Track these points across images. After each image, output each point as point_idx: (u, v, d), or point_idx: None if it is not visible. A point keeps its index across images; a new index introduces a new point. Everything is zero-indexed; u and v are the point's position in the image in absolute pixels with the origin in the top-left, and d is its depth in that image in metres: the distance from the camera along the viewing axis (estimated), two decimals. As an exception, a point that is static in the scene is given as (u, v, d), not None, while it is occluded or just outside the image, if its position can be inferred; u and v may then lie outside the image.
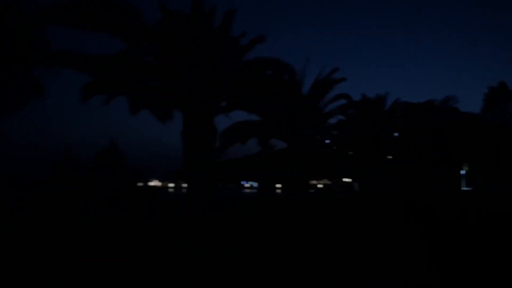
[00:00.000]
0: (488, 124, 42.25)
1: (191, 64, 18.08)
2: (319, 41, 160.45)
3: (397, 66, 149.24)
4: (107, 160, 25.56)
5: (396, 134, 39.72)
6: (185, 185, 22.56)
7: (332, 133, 34.75)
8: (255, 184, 63.66)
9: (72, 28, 12.69)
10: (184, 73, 17.97)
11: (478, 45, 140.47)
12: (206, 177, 19.03)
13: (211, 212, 17.75)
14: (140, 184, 32.58)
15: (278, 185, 59.15)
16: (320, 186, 57.29)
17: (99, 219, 15.76)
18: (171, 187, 50.84)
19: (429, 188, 36.05)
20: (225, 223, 14.49)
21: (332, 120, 31.96)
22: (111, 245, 9.94)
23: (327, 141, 37.09)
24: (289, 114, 24.85)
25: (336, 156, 40.05)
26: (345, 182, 53.56)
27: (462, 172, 42.60)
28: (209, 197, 18.91)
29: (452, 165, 41.05)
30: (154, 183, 47.94)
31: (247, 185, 64.90)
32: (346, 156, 40.46)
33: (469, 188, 40.34)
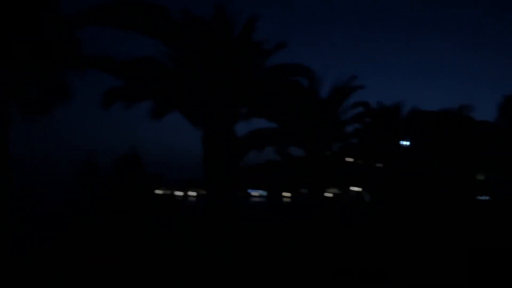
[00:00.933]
0: (503, 132, 41.80)
1: (212, 70, 17.96)
2: (335, 49, 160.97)
3: (412, 74, 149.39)
4: (126, 167, 25.43)
5: (407, 143, 39.39)
6: (203, 193, 22.34)
7: (351, 141, 34.45)
8: (262, 193, 63.54)
9: (110, 28, 12.65)
10: (205, 78, 17.85)
11: (492, 54, 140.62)
12: (227, 185, 18.80)
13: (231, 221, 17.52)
14: (159, 192, 32.46)
15: (286, 194, 59.03)
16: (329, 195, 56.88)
17: (112, 225, 15.63)
18: (192, 196, 50.61)
19: (444, 197, 35.68)
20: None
21: (349, 128, 31.66)
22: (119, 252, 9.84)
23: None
24: (307, 121, 24.62)
25: (348, 165, 39.75)
26: (354, 191, 53.19)
27: (479, 180, 42.10)
28: (231, 205, 18.68)
29: (468, 174, 40.59)
30: (174, 191, 47.82)
31: (255, 193, 64.65)
32: (357, 164, 40.14)
33: (486, 197, 39.84)
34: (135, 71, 15.10)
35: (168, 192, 43.09)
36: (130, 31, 14.17)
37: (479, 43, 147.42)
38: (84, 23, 12.13)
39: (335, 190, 55.60)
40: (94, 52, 12.87)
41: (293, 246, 10.99)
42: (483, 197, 39.48)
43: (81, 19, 11.95)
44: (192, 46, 17.35)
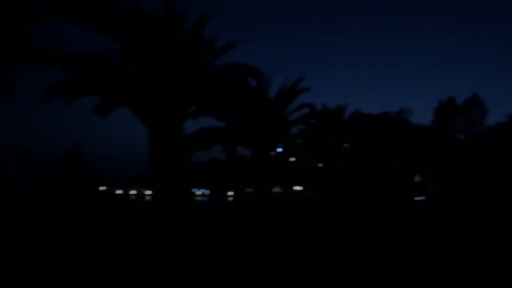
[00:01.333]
0: (437, 136, 44.27)
1: (161, 67, 17.70)
2: (282, 51, 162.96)
3: (357, 77, 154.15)
4: (68, 164, 24.49)
5: (346, 146, 40.77)
6: (149, 192, 21.98)
7: (296, 141, 35.13)
8: (205, 192, 63.29)
9: (58, 22, 12.08)
10: (154, 75, 17.55)
11: (431, 60, 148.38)
12: (174, 184, 18.58)
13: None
14: (102, 189, 31.47)
15: (230, 193, 59.14)
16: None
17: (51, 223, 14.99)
18: (132, 194, 49.33)
19: (382, 198, 37.17)
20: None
21: (294, 129, 32.30)
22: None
23: (278, 150, 37.43)
24: (255, 121, 24.86)
25: (292, 165, 40.52)
26: (296, 190, 54.23)
27: (415, 181, 44.24)
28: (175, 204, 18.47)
29: (405, 175, 42.57)
30: (115, 189, 46.40)
31: (198, 192, 64.22)
32: (300, 164, 41.00)
33: (421, 198, 41.90)
34: (80, 65, 14.55)
35: (114, 190, 41.89)
36: (79, 25, 13.64)
37: (417, 49, 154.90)
38: (31, 17, 11.53)
39: (279, 189, 56.41)
40: (39, 44, 12.28)
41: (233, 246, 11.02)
42: (419, 198, 41.51)
43: (28, 12, 11.35)
44: (141, 42, 17.00)
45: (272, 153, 32.51)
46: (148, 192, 35.12)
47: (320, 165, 38.15)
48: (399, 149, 40.92)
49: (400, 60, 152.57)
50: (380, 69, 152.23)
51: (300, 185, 50.43)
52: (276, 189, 55.99)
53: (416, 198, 40.75)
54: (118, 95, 16.33)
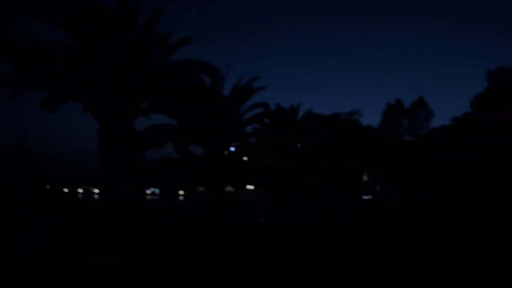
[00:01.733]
0: (385, 137, 45.71)
1: (113, 61, 17.17)
2: (238, 51, 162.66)
3: (310, 77, 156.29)
4: (12, 161, 23.27)
5: (299, 145, 41.36)
6: (97, 190, 21.27)
7: (250, 141, 35.16)
8: (155, 190, 62.29)
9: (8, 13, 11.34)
10: (105, 69, 17.01)
11: (382, 62, 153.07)
12: (123, 182, 18.08)
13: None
14: (48, 187, 30.16)
15: (181, 192, 58.49)
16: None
17: None
18: (80, 193, 47.60)
19: (332, 197, 37.98)
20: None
21: (248, 128, 32.33)
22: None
23: (231, 149, 37.43)
24: (209, 119, 24.64)
25: (245, 164, 40.56)
26: (248, 189, 54.39)
27: (363, 180, 45.49)
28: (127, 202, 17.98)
29: (354, 175, 43.69)
30: (63, 187, 44.60)
31: (148, 191, 63.06)
32: (253, 163, 41.14)
33: (368, 197, 43.18)
34: (27, 57, 13.81)
35: (61, 188, 40.31)
36: (29, 16, 12.87)
37: (369, 50, 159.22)
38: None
39: (231, 189, 56.36)
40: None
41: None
42: (366, 197, 42.75)
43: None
44: (93, 35, 16.44)
45: (225, 152, 32.43)
46: (97, 190, 34.10)
47: (273, 164, 38.41)
48: (349, 149, 41.95)
49: (351, 61, 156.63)
50: (333, 70, 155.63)
51: (252, 184, 50.61)
52: (229, 188, 55.97)
53: (364, 197, 41.96)
54: (67, 88, 15.66)
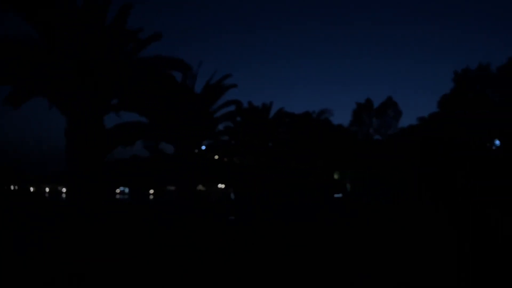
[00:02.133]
0: (355, 136, 46.40)
1: (81, 56, 16.78)
2: (210, 47, 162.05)
3: (282, 75, 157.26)
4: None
5: (271, 144, 41.50)
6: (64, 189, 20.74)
7: (222, 139, 35.02)
8: (124, 190, 61.50)
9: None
10: (73, 64, 16.60)
11: (352, 61, 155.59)
12: (92, 181, 17.67)
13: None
14: (13, 186, 29.12)
15: (151, 191, 57.91)
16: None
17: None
18: (47, 192, 46.39)
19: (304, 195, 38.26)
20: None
21: (220, 126, 32.18)
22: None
23: (202, 147, 37.26)
24: (180, 117, 24.42)
25: (216, 163, 40.43)
26: (220, 188, 54.29)
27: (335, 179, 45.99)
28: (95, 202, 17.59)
29: (326, 174, 44.15)
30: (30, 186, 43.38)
31: (117, 190, 62.18)
32: (224, 162, 41.06)
33: (339, 195, 43.66)
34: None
35: (27, 187, 39.18)
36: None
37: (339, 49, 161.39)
38: None
39: (202, 187, 56.12)
40: None
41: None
42: (338, 195, 43.22)
43: None
44: (61, 29, 16.01)
45: (196, 150, 32.19)
46: (64, 189, 33.25)
47: (244, 163, 38.41)
48: (319, 148, 42.36)
49: (324, 60, 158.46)
50: (306, 68, 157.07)
51: (223, 183, 50.50)
52: (200, 187, 55.72)
53: (336, 195, 42.40)
54: (33, 83, 15.20)
